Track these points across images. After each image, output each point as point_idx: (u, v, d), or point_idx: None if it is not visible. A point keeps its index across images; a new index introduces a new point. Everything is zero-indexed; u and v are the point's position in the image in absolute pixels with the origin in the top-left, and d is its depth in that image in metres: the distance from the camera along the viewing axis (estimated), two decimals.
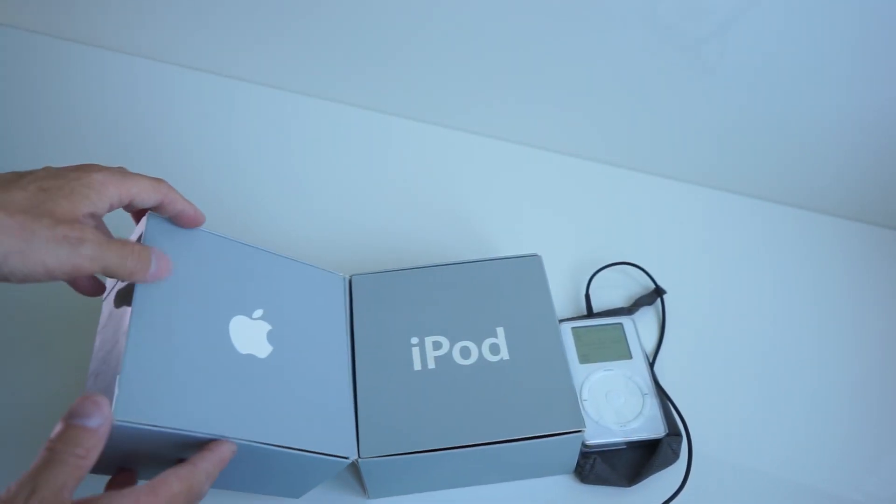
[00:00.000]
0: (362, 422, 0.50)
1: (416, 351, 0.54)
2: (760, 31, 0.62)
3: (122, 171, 0.44)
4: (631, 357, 0.60)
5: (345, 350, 0.54)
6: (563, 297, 0.66)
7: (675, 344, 0.63)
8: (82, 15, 0.85)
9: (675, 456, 0.55)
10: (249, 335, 0.49)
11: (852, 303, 0.66)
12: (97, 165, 0.44)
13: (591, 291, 0.65)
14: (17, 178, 0.41)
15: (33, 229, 0.38)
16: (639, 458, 0.56)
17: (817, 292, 0.67)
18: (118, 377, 0.41)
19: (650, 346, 0.63)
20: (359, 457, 0.49)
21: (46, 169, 0.42)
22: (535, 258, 0.58)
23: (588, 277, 0.66)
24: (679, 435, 0.56)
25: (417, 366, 0.53)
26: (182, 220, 0.49)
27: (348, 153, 0.77)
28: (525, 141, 0.78)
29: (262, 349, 0.49)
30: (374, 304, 0.56)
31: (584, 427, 0.50)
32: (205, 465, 0.41)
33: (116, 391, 0.40)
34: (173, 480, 0.39)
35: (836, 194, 0.72)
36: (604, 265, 0.67)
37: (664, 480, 0.54)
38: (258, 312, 0.50)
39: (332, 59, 0.79)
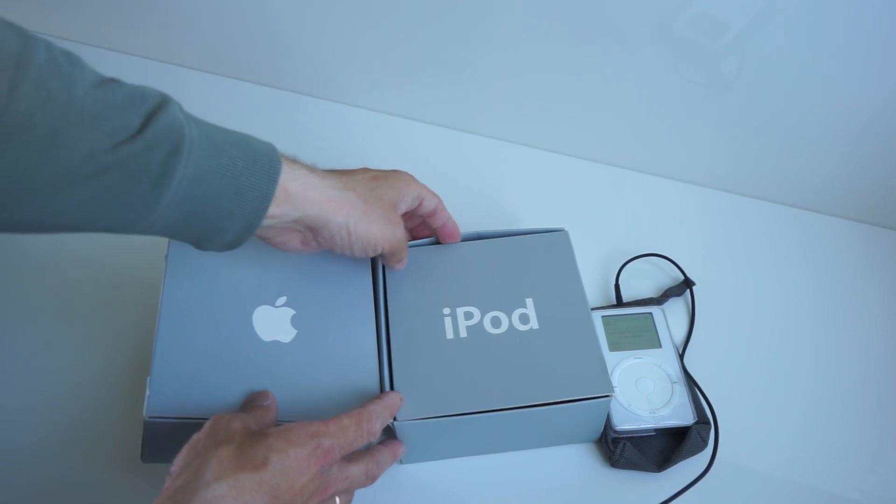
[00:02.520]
0: (397, 388, 0.52)
1: (448, 321, 0.55)
2: (763, 34, 0.62)
3: (415, 178, 0.56)
4: (660, 346, 0.60)
5: (370, 326, 0.55)
6: (594, 286, 0.67)
7: (703, 335, 0.64)
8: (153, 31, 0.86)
9: (704, 443, 0.56)
10: (273, 323, 0.52)
11: (852, 303, 0.67)
12: (404, 171, 0.56)
13: (620, 281, 0.66)
14: (352, 172, 0.52)
15: (372, 206, 0.50)
16: (667, 445, 0.57)
17: (817, 292, 0.67)
18: (148, 378, 0.47)
19: (678, 336, 0.64)
20: (395, 420, 0.50)
21: (367, 169, 0.54)
22: (562, 233, 0.60)
23: (617, 268, 0.67)
24: (708, 423, 0.57)
25: (450, 335, 0.54)
26: (443, 233, 0.59)
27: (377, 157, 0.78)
28: (558, 150, 0.79)
29: (287, 334, 0.52)
30: (407, 277, 0.58)
31: (613, 392, 0.51)
32: (375, 408, 0.47)
33: (147, 391, 0.46)
34: (344, 416, 0.45)
35: (836, 194, 0.72)
36: (634, 256, 0.68)
37: (690, 467, 0.55)
38: (281, 300, 0.53)
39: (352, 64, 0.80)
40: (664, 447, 0.56)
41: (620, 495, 0.55)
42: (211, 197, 0.41)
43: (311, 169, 0.47)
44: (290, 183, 0.45)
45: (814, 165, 0.71)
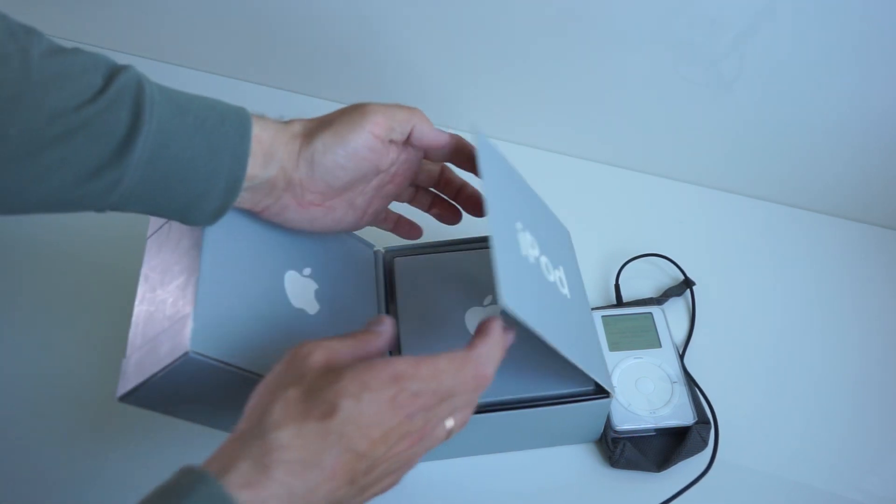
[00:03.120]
0: None
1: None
2: (763, 34, 0.62)
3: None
4: (660, 346, 0.60)
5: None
6: (593, 287, 0.67)
7: (703, 335, 0.64)
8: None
9: (704, 443, 0.56)
10: (301, 291, 0.50)
11: (852, 302, 0.67)
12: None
13: (620, 281, 0.66)
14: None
15: (336, 118, 0.46)
16: (667, 445, 0.56)
17: (817, 292, 0.67)
18: (192, 310, 0.43)
19: (678, 336, 0.64)
20: None
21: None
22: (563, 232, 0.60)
23: (617, 268, 0.67)
24: (708, 423, 0.57)
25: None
26: (469, 201, 0.54)
27: None
28: (558, 150, 0.79)
29: (312, 306, 0.51)
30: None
31: (613, 393, 0.51)
32: (483, 349, 0.39)
33: (191, 324, 0.42)
34: (442, 358, 0.37)
35: (836, 194, 0.72)
36: (634, 256, 0.68)
37: (690, 467, 0.55)
38: (307, 270, 0.52)
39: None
40: (664, 447, 0.56)
41: (620, 495, 0.55)
42: (184, 159, 0.41)
43: (281, 121, 0.46)
44: (264, 137, 0.44)
45: (814, 165, 0.71)
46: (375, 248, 0.59)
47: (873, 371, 0.62)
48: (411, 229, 0.58)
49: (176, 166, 0.41)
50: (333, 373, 0.36)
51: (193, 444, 0.56)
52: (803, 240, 0.71)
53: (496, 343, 0.40)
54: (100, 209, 0.41)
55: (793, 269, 0.69)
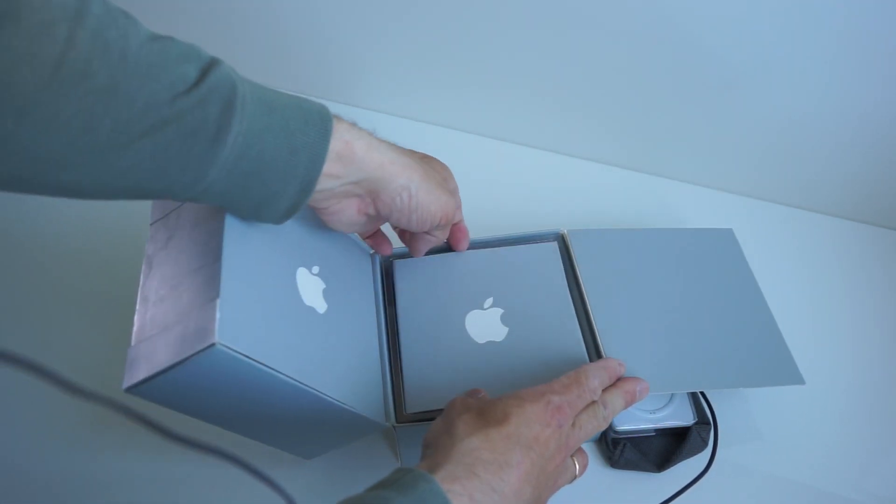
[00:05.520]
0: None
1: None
2: (763, 33, 0.62)
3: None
4: None
5: (373, 325, 0.55)
6: None
7: None
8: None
9: (704, 444, 0.56)
10: (311, 289, 0.49)
11: (851, 302, 0.67)
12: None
13: None
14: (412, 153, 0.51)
15: (429, 174, 0.50)
16: (668, 445, 0.57)
17: (816, 292, 0.67)
18: (219, 300, 0.40)
19: None
20: (395, 425, 0.50)
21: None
22: (552, 245, 0.60)
23: None
24: (708, 423, 0.57)
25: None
26: (457, 237, 0.58)
27: None
28: (558, 150, 0.79)
29: (321, 305, 0.49)
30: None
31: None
32: (590, 367, 0.48)
33: (218, 314, 0.39)
34: (563, 377, 0.47)
35: (834, 194, 0.73)
36: None
37: (690, 467, 0.55)
38: (315, 269, 0.51)
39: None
40: (664, 447, 0.56)
41: (620, 495, 0.55)
42: (266, 158, 0.41)
43: (372, 133, 0.47)
44: (353, 142, 0.44)
45: (813, 165, 0.71)
46: (372, 252, 0.59)
47: (873, 370, 0.62)
48: (384, 243, 0.59)
49: (258, 165, 0.41)
50: (491, 400, 0.45)
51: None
52: (803, 240, 0.71)
53: (602, 367, 0.49)
54: (178, 199, 0.42)
55: (792, 269, 0.69)
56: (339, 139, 0.43)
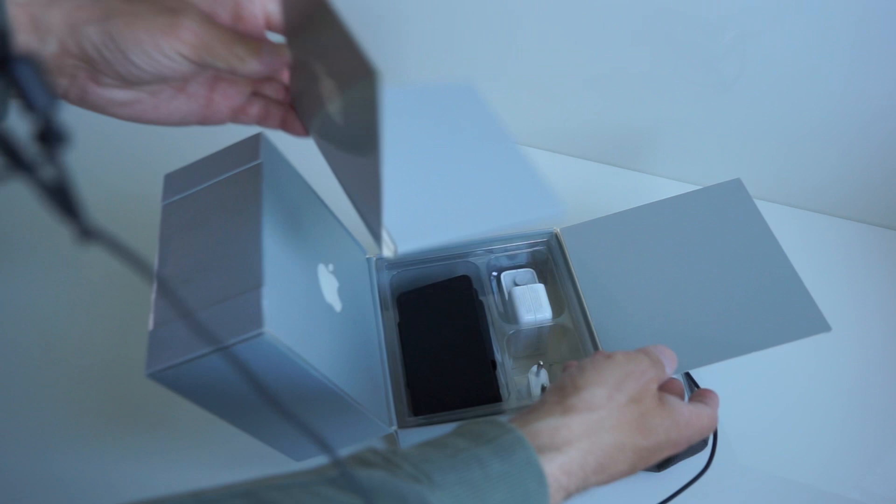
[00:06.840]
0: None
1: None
2: (763, 33, 0.62)
3: None
4: None
5: (374, 327, 0.55)
6: None
7: None
8: None
9: (704, 443, 0.56)
10: (329, 286, 0.48)
11: (852, 302, 0.67)
12: None
13: None
14: None
15: (138, 7, 0.36)
16: None
17: (816, 291, 0.67)
18: (263, 289, 0.37)
19: None
20: (397, 428, 0.51)
21: None
22: (549, 241, 0.60)
23: None
24: None
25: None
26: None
27: None
28: (558, 150, 0.79)
29: (336, 303, 0.48)
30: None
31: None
32: (651, 347, 0.46)
33: (265, 302, 0.37)
34: (629, 352, 0.44)
35: (835, 194, 0.72)
36: None
37: (690, 467, 0.55)
38: (331, 266, 0.49)
39: None
40: None
41: (620, 495, 0.55)
42: None
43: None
44: (46, 16, 0.35)
45: (813, 165, 0.71)
46: (367, 255, 0.59)
47: (872, 371, 0.62)
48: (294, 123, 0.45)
49: None
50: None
51: (207, 430, 0.56)
52: (802, 239, 0.71)
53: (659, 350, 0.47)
54: None
55: None
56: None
